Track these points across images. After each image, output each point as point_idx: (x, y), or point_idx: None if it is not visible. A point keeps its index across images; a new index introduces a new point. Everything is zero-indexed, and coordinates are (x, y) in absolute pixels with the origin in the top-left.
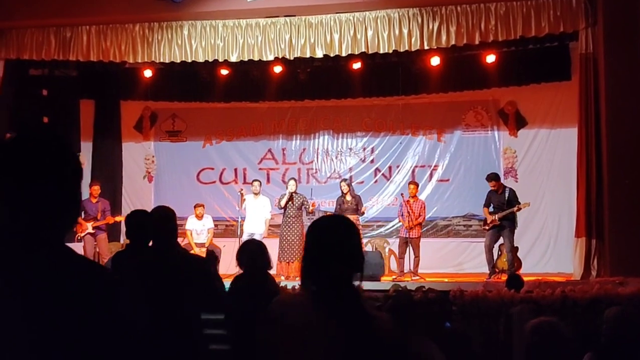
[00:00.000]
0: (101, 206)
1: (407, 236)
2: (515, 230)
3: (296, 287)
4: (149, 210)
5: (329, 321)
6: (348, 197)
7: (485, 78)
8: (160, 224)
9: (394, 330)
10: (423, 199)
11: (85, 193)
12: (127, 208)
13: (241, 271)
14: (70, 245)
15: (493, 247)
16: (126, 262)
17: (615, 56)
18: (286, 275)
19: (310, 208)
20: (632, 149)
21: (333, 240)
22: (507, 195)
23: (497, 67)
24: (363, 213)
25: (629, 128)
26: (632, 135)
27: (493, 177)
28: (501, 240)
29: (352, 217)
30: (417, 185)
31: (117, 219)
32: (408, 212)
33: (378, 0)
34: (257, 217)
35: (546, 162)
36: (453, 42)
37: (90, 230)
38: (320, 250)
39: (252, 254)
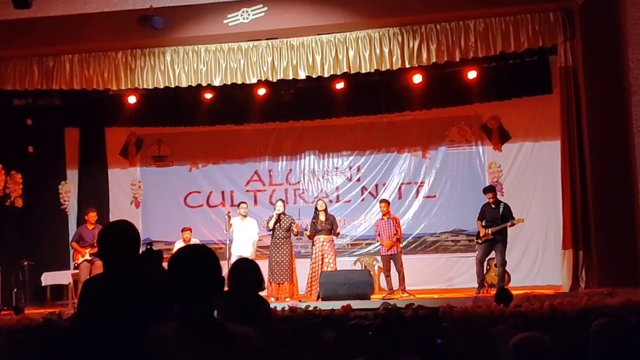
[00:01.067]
0: (97, 232)
1: (388, 253)
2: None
3: (286, 309)
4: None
5: (194, 349)
6: (322, 217)
7: (467, 94)
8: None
9: (259, 345)
10: (410, 216)
11: (81, 219)
12: None
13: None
14: (65, 272)
15: (484, 260)
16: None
17: (594, 68)
18: (276, 296)
19: (295, 230)
20: (615, 159)
21: (187, 271)
22: (501, 210)
23: (478, 82)
24: (338, 234)
25: (611, 139)
26: (614, 146)
27: (490, 190)
28: (491, 254)
29: (326, 238)
30: (387, 203)
31: None
32: (382, 231)
33: (358, 21)
34: (245, 239)
35: (531, 176)
36: (434, 60)
37: (87, 257)
38: (176, 281)
39: (244, 272)
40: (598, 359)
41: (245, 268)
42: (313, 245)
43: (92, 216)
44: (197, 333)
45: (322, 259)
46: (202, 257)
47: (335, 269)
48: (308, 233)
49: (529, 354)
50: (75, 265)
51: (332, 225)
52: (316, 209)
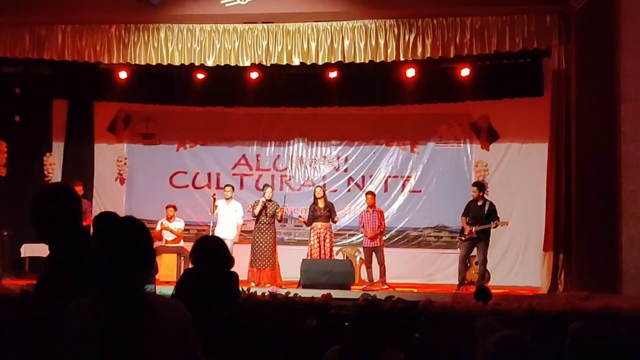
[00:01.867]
0: (83, 207)
1: (370, 245)
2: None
3: (266, 294)
4: (120, 212)
5: (108, 325)
6: (320, 204)
7: (459, 91)
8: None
9: (183, 317)
10: (395, 209)
11: None
12: (97, 209)
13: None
14: (38, 246)
15: (467, 258)
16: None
17: (586, 74)
18: (257, 281)
19: (279, 216)
20: (600, 165)
21: (110, 242)
22: (486, 208)
23: (471, 80)
24: (336, 221)
25: (598, 144)
26: (601, 152)
27: (478, 185)
28: (473, 252)
29: (324, 225)
30: (373, 195)
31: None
32: (366, 223)
33: (355, 11)
34: (229, 222)
35: (517, 177)
36: (428, 55)
37: None
38: (101, 252)
39: (209, 249)
40: None
41: (212, 248)
42: (311, 231)
43: (78, 190)
44: (111, 303)
45: (320, 245)
46: (127, 229)
47: (332, 256)
48: (305, 221)
49: (509, 352)
50: None
51: (331, 212)
52: (314, 196)
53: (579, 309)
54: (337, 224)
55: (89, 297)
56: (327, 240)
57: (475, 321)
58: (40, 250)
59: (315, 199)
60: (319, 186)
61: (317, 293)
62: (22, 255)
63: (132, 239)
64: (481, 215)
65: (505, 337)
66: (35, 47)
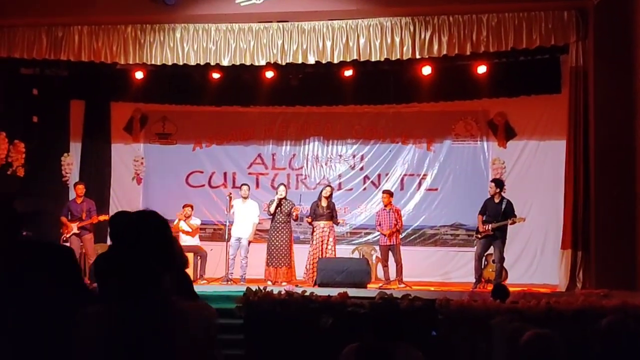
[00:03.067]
0: (86, 206)
1: (387, 243)
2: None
3: (282, 293)
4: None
5: (126, 328)
6: (323, 203)
7: (475, 88)
8: None
9: (204, 319)
10: (411, 208)
11: (73, 193)
12: (114, 209)
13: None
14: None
15: (483, 256)
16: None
17: (605, 70)
18: (274, 280)
19: (295, 215)
20: (619, 162)
21: (131, 234)
22: (504, 206)
23: (487, 78)
24: (338, 223)
25: (617, 142)
26: (619, 149)
27: (496, 182)
28: (490, 250)
29: (327, 224)
30: (390, 194)
31: (101, 218)
32: (383, 221)
33: (371, 9)
34: (245, 221)
35: (534, 174)
36: (445, 52)
37: (75, 230)
38: (118, 245)
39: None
40: (605, 356)
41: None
42: (313, 231)
43: (80, 189)
44: (131, 309)
45: (322, 244)
46: (146, 225)
47: (335, 255)
48: (309, 220)
49: (540, 351)
50: (65, 239)
51: (332, 212)
52: (321, 194)
53: (598, 306)
54: (354, 222)
55: (103, 304)
56: (331, 239)
57: (492, 319)
58: None
59: (321, 197)
60: (329, 186)
61: (334, 291)
62: None
63: (148, 229)
64: (498, 213)
65: (535, 336)
66: (52, 49)
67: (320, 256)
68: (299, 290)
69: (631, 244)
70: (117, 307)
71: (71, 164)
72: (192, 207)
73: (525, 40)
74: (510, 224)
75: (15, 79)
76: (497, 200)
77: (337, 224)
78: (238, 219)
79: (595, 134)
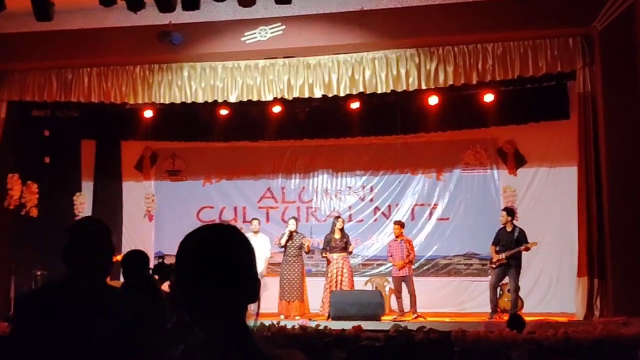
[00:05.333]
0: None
1: (399, 275)
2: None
3: (296, 327)
4: (149, 249)
5: None
6: (337, 235)
7: (483, 117)
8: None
9: None
10: (422, 238)
11: None
12: (127, 247)
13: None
14: None
15: (498, 286)
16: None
17: (613, 95)
18: (286, 314)
19: (306, 247)
20: (633, 187)
21: (205, 255)
22: (516, 234)
23: (495, 106)
24: (351, 252)
25: (629, 166)
26: (632, 174)
27: (507, 211)
28: (505, 280)
29: (340, 255)
30: (401, 225)
31: (115, 258)
32: (394, 252)
33: (375, 42)
34: (257, 255)
35: (546, 201)
36: (451, 82)
37: None
38: (188, 269)
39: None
40: None
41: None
42: (328, 263)
43: None
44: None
45: (338, 276)
46: (233, 238)
47: (352, 286)
48: (324, 254)
49: None
50: None
51: (347, 243)
52: (334, 225)
53: (617, 335)
54: (366, 254)
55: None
56: (345, 270)
57: (510, 350)
58: None
59: (334, 229)
60: (339, 217)
61: (347, 325)
62: None
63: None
64: (511, 241)
65: None
66: (62, 91)
67: (336, 288)
68: (313, 324)
69: None
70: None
71: (83, 203)
72: None
73: (532, 68)
74: (524, 250)
75: (27, 121)
76: (509, 229)
77: (349, 253)
78: None
79: (606, 159)
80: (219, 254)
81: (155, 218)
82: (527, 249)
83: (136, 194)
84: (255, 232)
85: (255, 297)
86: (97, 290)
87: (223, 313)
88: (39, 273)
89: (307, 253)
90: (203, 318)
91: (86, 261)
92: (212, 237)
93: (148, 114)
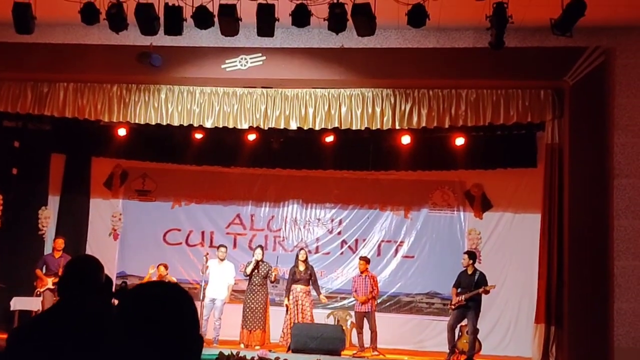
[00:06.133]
0: (63, 261)
1: (362, 310)
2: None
3: (255, 358)
4: (112, 268)
5: None
6: (301, 267)
7: (453, 159)
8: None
9: None
10: (387, 274)
11: (49, 248)
12: None
13: None
14: (36, 299)
15: (456, 327)
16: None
17: (579, 148)
18: (247, 343)
19: (273, 276)
20: (593, 239)
21: (144, 317)
22: (476, 277)
23: (465, 149)
24: (320, 294)
25: (591, 219)
26: (593, 225)
27: (469, 254)
28: (464, 322)
29: (303, 288)
30: (367, 260)
31: None
32: (359, 288)
33: (353, 79)
34: (220, 282)
35: (509, 246)
36: (424, 124)
37: (50, 285)
38: (128, 330)
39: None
40: None
41: None
42: (288, 294)
43: (59, 243)
44: None
45: (298, 308)
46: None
47: (312, 319)
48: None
49: None
50: (38, 293)
51: (311, 275)
52: (297, 258)
53: None
54: (330, 286)
55: None
56: (307, 304)
57: None
58: (29, 303)
59: (297, 261)
60: (302, 249)
61: (307, 358)
62: (12, 309)
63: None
64: (471, 284)
65: None
66: (36, 103)
67: (296, 320)
68: (273, 356)
69: (604, 322)
70: None
71: (48, 217)
72: (166, 266)
73: (503, 116)
74: (482, 292)
75: None
76: (470, 272)
77: (319, 295)
78: (213, 279)
79: (569, 209)
80: (164, 313)
81: (120, 237)
82: (486, 292)
83: (103, 211)
84: (222, 260)
85: (198, 357)
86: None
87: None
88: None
89: (272, 282)
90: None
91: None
92: (159, 296)
93: (122, 132)
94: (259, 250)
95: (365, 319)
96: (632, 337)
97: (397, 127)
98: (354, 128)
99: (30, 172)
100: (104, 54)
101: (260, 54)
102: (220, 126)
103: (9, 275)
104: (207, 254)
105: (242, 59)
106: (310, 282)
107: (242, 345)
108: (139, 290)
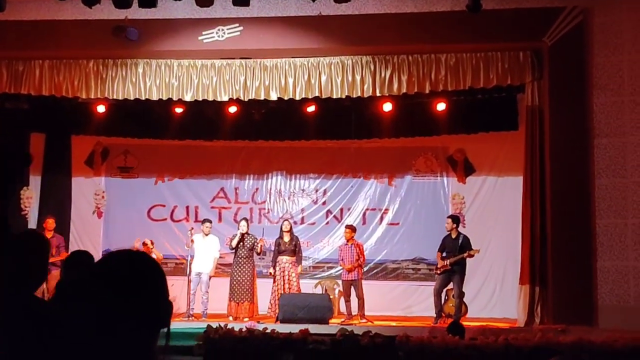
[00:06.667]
0: (56, 242)
1: (349, 278)
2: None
3: (244, 329)
4: (97, 246)
5: None
6: (286, 238)
7: (435, 125)
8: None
9: None
10: (373, 242)
11: (40, 226)
12: (74, 243)
13: None
14: None
15: (442, 291)
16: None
17: (559, 109)
18: (235, 316)
19: (259, 247)
20: (574, 199)
21: (111, 278)
22: (460, 241)
23: (447, 115)
24: (300, 264)
25: (572, 179)
26: (574, 185)
27: (452, 218)
28: (450, 285)
29: (289, 259)
30: (352, 229)
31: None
32: (345, 256)
33: (332, 47)
34: (206, 256)
35: (493, 209)
36: (404, 90)
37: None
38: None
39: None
40: None
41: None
42: (275, 265)
43: (50, 223)
44: None
45: (285, 279)
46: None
47: (299, 290)
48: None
49: None
50: None
51: (296, 247)
52: (281, 229)
53: (555, 343)
54: (316, 256)
55: None
56: (293, 274)
57: (451, 355)
58: None
59: (282, 232)
60: (286, 220)
61: (296, 328)
62: None
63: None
64: (455, 248)
65: None
66: (12, 82)
67: (283, 291)
68: (261, 327)
69: (588, 280)
70: None
71: (30, 197)
72: (152, 242)
73: (483, 80)
74: (467, 256)
75: None
76: (454, 236)
77: (299, 264)
78: (198, 253)
79: (551, 170)
80: (133, 279)
81: (104, 215)
82: (471, 256)
83: (86, 190)
84: (207, 234)
85: (166, 323)
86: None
87: (134, 338)
88: None
89: (258, 254)
90: (114, 341)
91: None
92: (125, 263)
93: (101, 109)
94: (243, 223)
95: (352, 287)
96: (616, 294)
97: (378, 94)
98: (334, 97)
99: (9, 152)
100: (78, 29)
101: (237, 25)
102: (200, 99)
103: None
104: (192, 228)
105: (219, 30)
106: (295, 253)
107: (230, 318)
108: (106, 257)
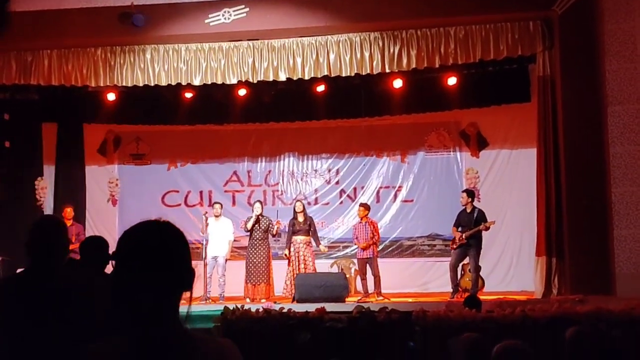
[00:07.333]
0: (75, 230)
1: (364, 256)
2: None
3: (260, 310)
4: (113, 234)
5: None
6: (300, 218)
7: (446, 100)
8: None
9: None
10: (387, 220)
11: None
12: (90, 231)
13: None
14: None
15: (458, 266)
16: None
17: (571, 78)
18: (252, 297)
19: (275, 229)
20: (589, 169)
21: (141, 249)
22: (475, 215)
23: (458, 89)
24: (319, 244)
25: (586, 149)
26: (589, 156)
27: (467, 192)
28: (466, 260)
29: (304, 239)
30: (366, 207)
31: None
32: (359, 235)
33: (339, 25)
34: (220, 239)
35: (508, 182)
36: (414, 65)
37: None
38: (127, 259)
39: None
40: None
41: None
42: (289, 246)
43: (69, 212)
44: (154, 350)
45: (299, 260)
46: (162, 248)
47: (315, 270)
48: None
49: None
50: None
51: (311, 227)
52: (294, 210)
53: (572, 313)
54: (331, 236)
55: (111, 340)
56: (308, 254)
57: (469, 328)
58: None
59: (295, 213)
60: (299, 200)
61: (312, 307)
62: None
63: (166, 248)
64: (470, 222)
65: (507, 347)
66: (22, 73)
67: (299, 271)
68: (277, 307)
69: (604, 249)
70: (128, 343)
71: (45, 187)
72: None
73: (493, 52)
74: (482, 229)
75: None
76: (469, 210)
77: (318, 245)
78: (212, 237)
79: (564, 141)
80: (157, 245)
81: (119, 203)
82: (486, 229)
83: (99, 178)
84: (217, 216)
85: (189, 285)
86: (57, 276)
87: (159, 298)
88: (0, 259)
89: (274, 236)
90: (139, 302)
91: (46, 253)
92: (150, 230)
93: (111, 97)
94: (257, 205)
95: (367, 265)
96: (634, 262)
97: (387, 70)
98: (343, 75)
99: (23, 143)
100: (85, 17)
101: (243, 6)
102: (209, 83)
103: (12, 248)
104: (206, 212)
105: (225, 12)
106: (310, 233)
107: (247, 300)
108: (134, 226)
